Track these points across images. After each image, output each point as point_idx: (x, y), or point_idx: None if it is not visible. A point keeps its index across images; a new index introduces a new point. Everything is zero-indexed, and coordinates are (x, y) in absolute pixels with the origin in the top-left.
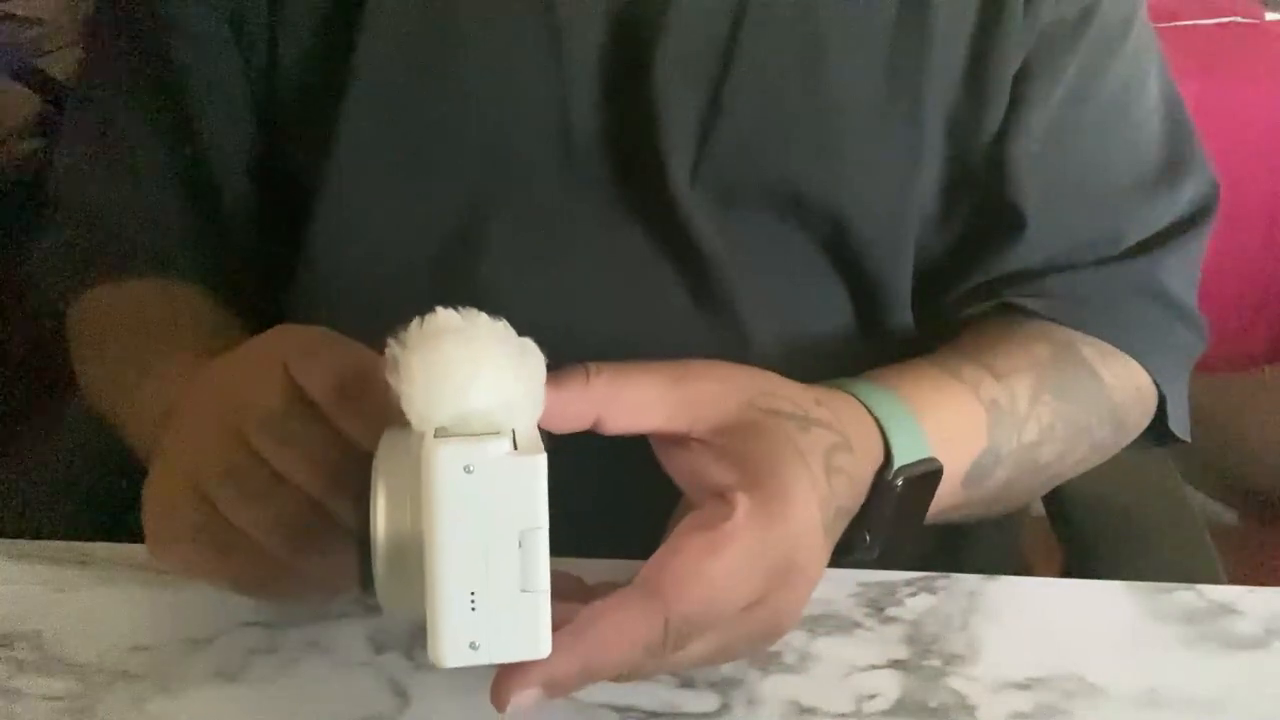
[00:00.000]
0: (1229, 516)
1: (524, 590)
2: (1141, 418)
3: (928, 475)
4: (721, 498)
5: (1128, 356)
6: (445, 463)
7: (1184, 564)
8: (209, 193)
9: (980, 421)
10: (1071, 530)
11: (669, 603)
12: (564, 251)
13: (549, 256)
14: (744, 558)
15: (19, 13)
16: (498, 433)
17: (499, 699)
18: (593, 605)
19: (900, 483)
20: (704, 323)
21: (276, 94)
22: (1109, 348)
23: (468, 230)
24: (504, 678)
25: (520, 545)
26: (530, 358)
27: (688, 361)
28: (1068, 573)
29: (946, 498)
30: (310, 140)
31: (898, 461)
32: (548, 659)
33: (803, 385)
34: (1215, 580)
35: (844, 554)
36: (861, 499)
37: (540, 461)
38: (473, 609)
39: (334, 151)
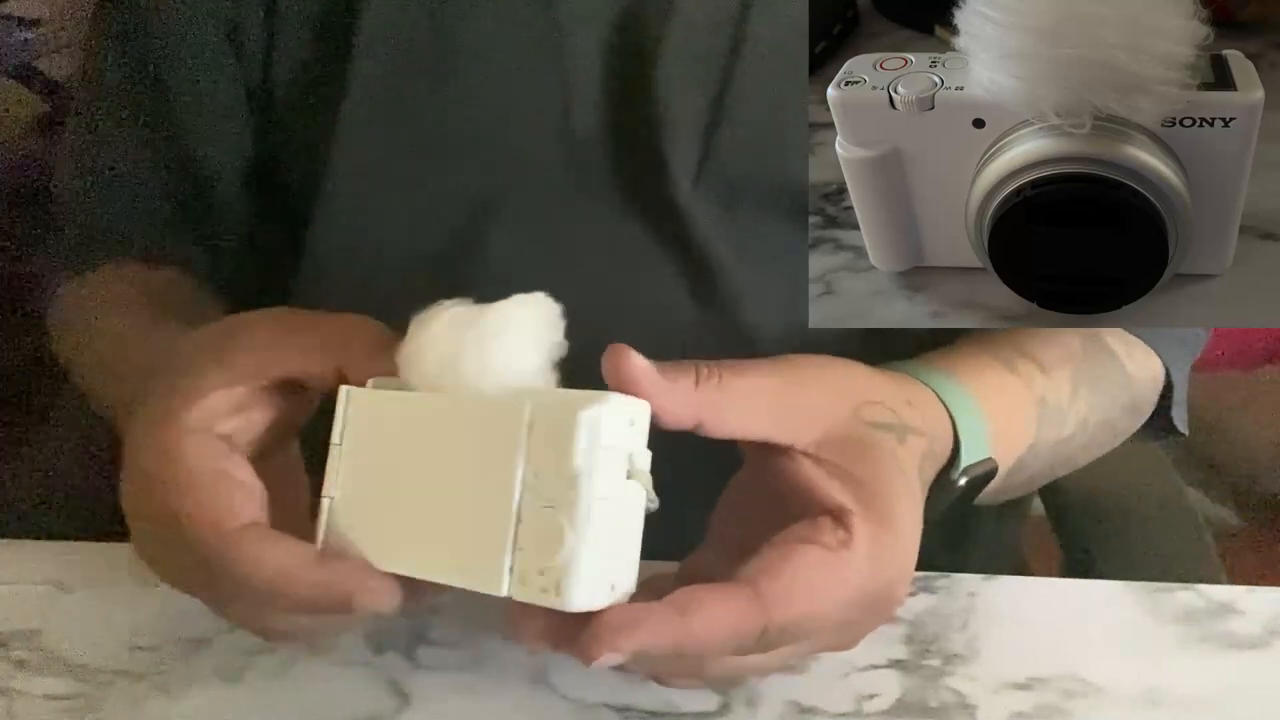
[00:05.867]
0: (1229, 516)
1: None
2: (1153, 405)
3: (984, 474)
4: (835, 518)
5: (1145, 346)
6: None
7: (1184, 564)
8: (204, 196)
9: (1031, 418)
10: (1071, 530)
11: (772, 609)
12: (565, 250)
13: (550, 255)
14: (855, 586)
15: (19, 13)
16: None
17: (589, 652)
18: (694, 589)
19: (963, 483)
20: (706, 322)
21: (274, 97)
22: (1129, 335)
23: (469, 229)
24: (596, 636)
25: None
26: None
27: (794, 362)
28: (1068, 573)
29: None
30: (309, 142)
31: (964, 461)
32: (645, 631)
33: (892, 380)
34: (1215, 580)
35: None
36: None
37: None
38: None
39: (333, 153)
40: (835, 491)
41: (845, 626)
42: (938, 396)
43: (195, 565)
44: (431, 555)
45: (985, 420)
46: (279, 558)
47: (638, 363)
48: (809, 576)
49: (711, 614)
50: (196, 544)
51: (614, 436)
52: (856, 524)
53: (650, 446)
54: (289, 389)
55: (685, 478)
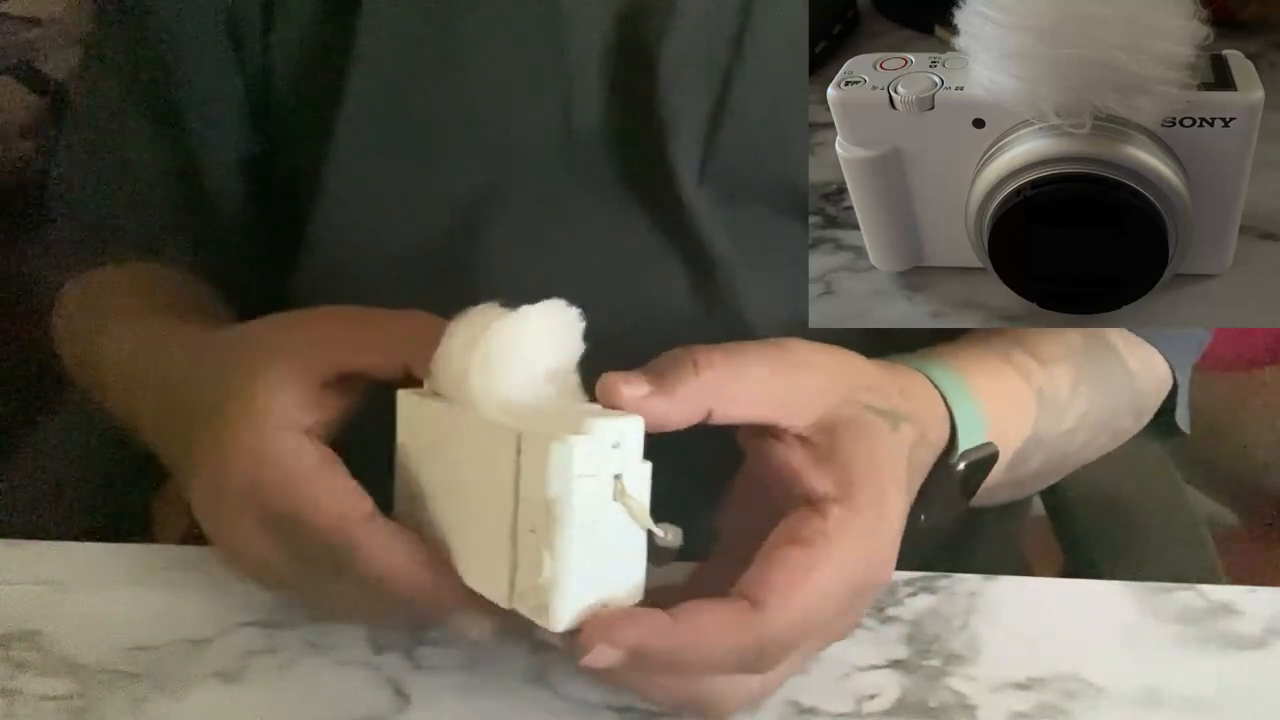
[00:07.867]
0: (1229, 516)
1: None
2: (1156, 406)
3: (984, 460)
4: (812, 507)
5: (1148, 345)
6: None
7: (1184, 564)
8: (202, 189)
9: (1029, 409)
10: (1071, 530)
11: (768, 615)
12: (567, 246)
13: (552, 251)
14: (837, 575)
15: (18, 13)
16: None
17: (583, 643)
18: (697, 601)
19: (961, 467)
20: (709, 320)
21: (273, 91)
22: (1132, 335)
23: (469, 223)
24: (597, 628)
25: None
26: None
27: (789, 346)
28: (1068, 573)
29: (988, 480)
30: (309, 136)
31: (961, 446)
32: (646, 631)
33: (886, 369)
34: (1215, 580)
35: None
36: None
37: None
38: None
39: (333, 147)
40: (817, 478)
41: (836, 618)
42: (933, 384)
43: (301, 560)
44: (457, 559)
45: (981, 407)
46: (402, 552)
47: (630, 393)
48: (794, 577)
49: (708, 622)
50: (320, 537)
51: (592, 464)
52: (833, 511)
53: (655, 449)
54: (345, 384)
55: (692, 480)
